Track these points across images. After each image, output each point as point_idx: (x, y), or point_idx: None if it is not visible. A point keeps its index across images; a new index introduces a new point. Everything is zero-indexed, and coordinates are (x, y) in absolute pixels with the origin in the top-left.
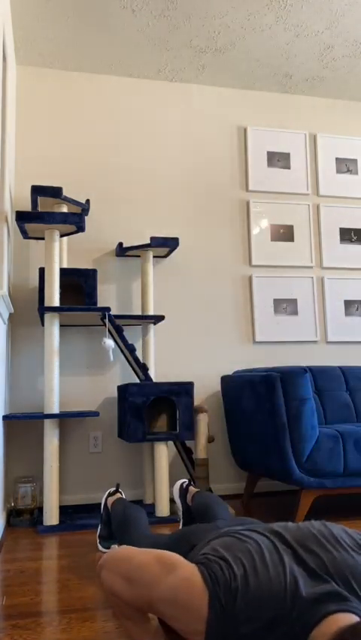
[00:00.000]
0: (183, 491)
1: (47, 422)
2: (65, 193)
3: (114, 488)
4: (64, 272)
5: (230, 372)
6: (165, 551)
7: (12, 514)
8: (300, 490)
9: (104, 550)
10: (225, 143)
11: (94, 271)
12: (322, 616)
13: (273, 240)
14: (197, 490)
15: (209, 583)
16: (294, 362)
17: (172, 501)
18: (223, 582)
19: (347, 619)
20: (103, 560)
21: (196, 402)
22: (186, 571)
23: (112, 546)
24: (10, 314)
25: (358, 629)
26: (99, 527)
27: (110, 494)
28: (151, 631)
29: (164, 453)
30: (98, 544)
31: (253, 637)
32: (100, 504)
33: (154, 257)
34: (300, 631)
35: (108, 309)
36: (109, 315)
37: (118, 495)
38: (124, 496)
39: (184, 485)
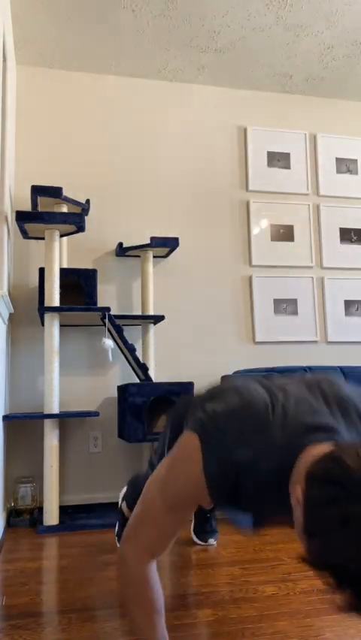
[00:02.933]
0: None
1: (47, 422)
2: (65, 193)
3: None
4: (64, 272)
5: (230, 372)
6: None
7: (12, 515)
8: None
9: None
10: (225, 143)
11: (94, 271)
12: (305, 445)
13: (273, 240)
14: None
15: (196, 428)
16: (294, 362)
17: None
18: (208, 419)
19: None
20: (121, 545)
21: None
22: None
23: None
24: (10, 314)
25: (336, 456)
26: (117, 526)
27: (124, 498)
28: (159, 629)
29: None
30: (117, 543)
31: (246, 467)
32: (101, 504)
33: (154, 257)
34: (292, 454)
35: (108, 309)
36: (109, 315)
37: None
38: None
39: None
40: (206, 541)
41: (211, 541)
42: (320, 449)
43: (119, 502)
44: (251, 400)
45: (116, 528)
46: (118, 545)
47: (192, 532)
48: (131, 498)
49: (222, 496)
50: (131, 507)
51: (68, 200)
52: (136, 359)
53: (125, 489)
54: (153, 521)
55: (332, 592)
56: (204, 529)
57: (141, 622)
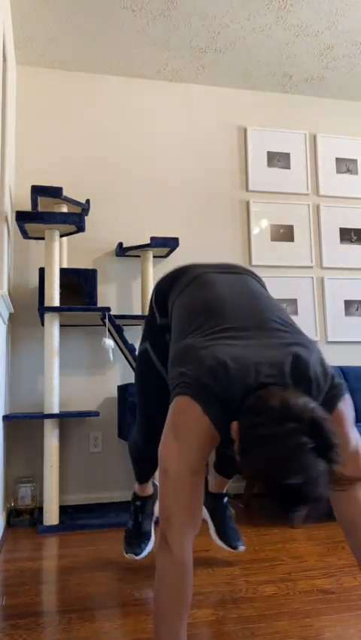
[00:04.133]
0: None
1: (47, 422)
2: (65, 193)
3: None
4: (64, 272)
5: None
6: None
7: (12, 515)
8: None
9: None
10: (225, 143)
11: (94, 271)
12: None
13: (273, 240)
14: None
15: (183, 391)
16: None
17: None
18: (191, 381)
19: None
20: (161, 536)
21: None
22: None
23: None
24: (10, 314)
25: None
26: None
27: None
28: (184, 624)
29: None
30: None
31: (227, 399)
32: (101, 504)
33: (154, 257)
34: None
35: (108, 309)
36: (109, 315)
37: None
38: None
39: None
40: (236, 548)
41: (241, 547)
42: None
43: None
44: (216, 363)
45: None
46: (124, 549)
47: (216, 537)
48: (136, 465)
49: (224, 422)
50: (140, 479)
51: (68, 200)
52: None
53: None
54: (184, 490)
55: (260, 501)
56: (226, 533)
57: (170, 615)
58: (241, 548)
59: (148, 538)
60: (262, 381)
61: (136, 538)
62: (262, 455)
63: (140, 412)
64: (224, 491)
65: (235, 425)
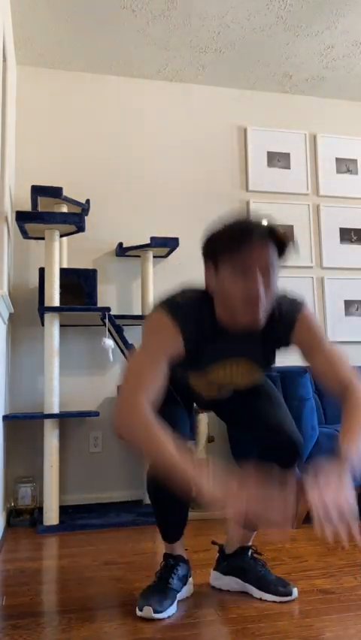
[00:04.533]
0: None
1: (47, 422)
2: (65, 193)
3: None
4: (64, 272)
5: None
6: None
7: (12, 514)
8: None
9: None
10: (225, 143)
11: (94, 271)
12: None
13: None
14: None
15: (158, 307)
16: (294, 362)
17: None
18: (165, 300)
19: None
20: (116, 420)
21: None
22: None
23: None
24: (10, 314)
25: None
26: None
27: None
28: (191, 459)
29: None
30: None
31: (194, 308)
32: (101, 504)
33: (154, 257)
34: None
35: (108, 309)
36: (109, 315)
37: None
38: None
39: None
40: (290, 593)
41: (294, 591)
42: None
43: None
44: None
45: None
46: (138, 604)
47: (263, 594)
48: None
49: (188, 336)
50: (166, 535)
51: (68, 200)
52: None
53: None
54: (142, 369)
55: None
56: (270, 585)
57: (169, 458)
58: (295, 591)
59: (173, 598)
60: None
61: (158, 594)
62: (222, 231)
63: None
64: (248, 544)
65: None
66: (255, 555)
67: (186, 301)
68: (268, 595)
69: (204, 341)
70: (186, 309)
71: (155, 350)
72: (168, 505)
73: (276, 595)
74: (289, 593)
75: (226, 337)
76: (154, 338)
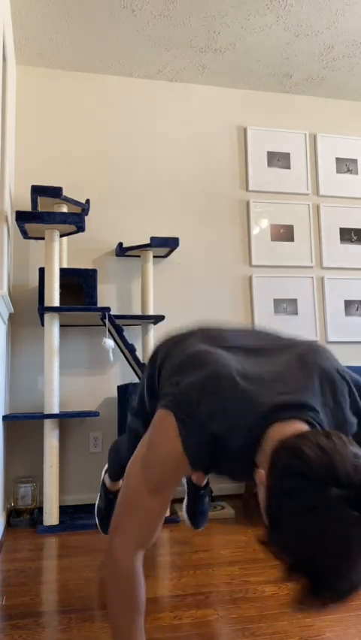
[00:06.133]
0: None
1: (47, 422)
2: (65, 193)
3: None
4: (64, 272)
5: None
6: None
7: (12, 514)
8: None
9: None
10: (225, 143)
11: (94, 271)
12: (273, 420)
13: (273, 240)
14: None
15: (169, 405)
16: None
17: (173, 501)
18: (180, 395)
19: (294, 427)
20: (110, 540)
21: None
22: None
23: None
24: (10, 314)
25: (297, 443)
26: (97, 499)
27: (106, 471)
28: (142, 631)
29: None
30: (97, 520)
31: (222, 438)
32: None
33: (154, 257)
34: (257, 433)
35: (108, 309)
36: (109, 315)
37: None
38: None
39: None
40: (197, 528)
41: (201, 527)
42: (285, 430)
43: (102, 476)
44: (220, 372)
45: (97, 501)
46: (97, 523)
47: (185, 512)
48: (113, 467)
49: (202, 465)
50: (113, 477)
51: (68, 200)
52: (136, 359)
53: (107, 465)
54: (139, 507)
55: (285, 579)
56: (195, 515)
57: (122, 622)
58: (201, 528)
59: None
60: (277, 401)
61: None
62: (295, 528)
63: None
64: (203, 484)
65: (261, 475)
66: (208, 494)
67: (212, 428)
68: (186, 516)
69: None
70: (209, 438)
71: (157, 479)
72: (117, 467)
73: (189, 521)
74: (196, 528)
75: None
76: (157, 457)
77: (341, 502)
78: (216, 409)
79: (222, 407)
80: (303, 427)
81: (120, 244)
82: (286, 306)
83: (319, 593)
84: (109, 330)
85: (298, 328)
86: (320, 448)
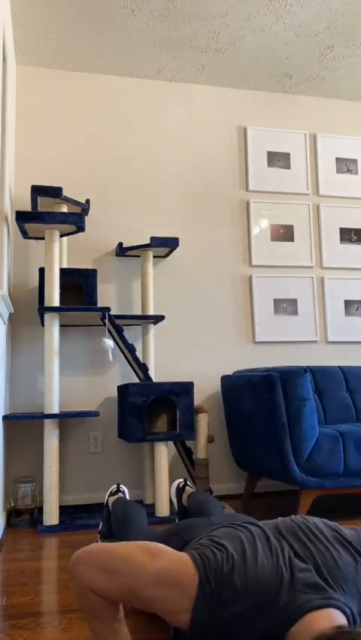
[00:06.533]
0: (180, 491)
1: (47, 422)
2: (65, 193)
3: (115, 487)
4: (64, 272)
5: (230, 372)
6: (150, 542)
7: (12, 514)
8: (300, 490)
9: None
10: (225, 143)
11: (94, 271)
12: (304, 611)
13: (273, 240)
14: (193, 490)
15: (200, 565)
16: (294, 362)
17: (172, 501)
18: (214, 565)
19: (328, 619)
20: (77, 555)
21: (196, 402)
22: (175, 555)
23: None
24: (10, 314)
25: (336, 637)
26: (100, 524)
27: (111, 494)
28: (121, 635)
29: (164, 453)
30: (99, 539)
31: (238, 622)
32: (100, 504)
33: (154, 257)
34: (283, 621)
35: (108, 309)
36: (109, 315)
37: (119, 495)
38: (127, 496)
39: (180, 485)
40: None
41: None
42: (315, 625)
43: (106, 498)
44: (263, 574)
45: (100, 526)
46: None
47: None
48: (116, 524)
49: (200, 635)
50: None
51: (68, 200)
52: (136, 359)
53: (114, 488)
54: (123, 578)
55: None
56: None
57: (102, 632)
58: None
59: None
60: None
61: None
62: None
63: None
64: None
65: None
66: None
67: (231, 616)
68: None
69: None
70: (223, 624)
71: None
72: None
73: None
74: None
75: None
76: (164, 591)
77: None
78: (245, 599)
79: (254, 600)
80: (334, 616)
81: (120, 244)
82: (286, 306)
83: None
84: (109, 330)
85: (298, 328)
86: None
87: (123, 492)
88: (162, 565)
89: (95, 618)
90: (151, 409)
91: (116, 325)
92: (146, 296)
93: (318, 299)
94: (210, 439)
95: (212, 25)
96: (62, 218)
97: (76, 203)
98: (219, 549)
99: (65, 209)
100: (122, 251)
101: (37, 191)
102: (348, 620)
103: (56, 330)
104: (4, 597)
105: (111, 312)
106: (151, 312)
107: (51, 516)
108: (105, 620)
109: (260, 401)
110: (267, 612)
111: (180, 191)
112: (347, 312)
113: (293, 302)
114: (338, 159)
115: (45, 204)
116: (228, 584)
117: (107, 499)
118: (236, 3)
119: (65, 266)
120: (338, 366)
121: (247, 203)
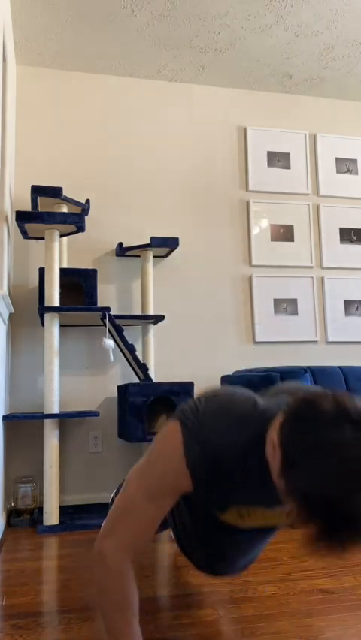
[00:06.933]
0: None
1: (47, 422)
2: (65, 193)
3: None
4: (64, 272)
5: (230, 372)
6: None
7: (12, 514)
8: None
9: None
10: (225, 143)
11: (94, 271)
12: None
13: (273, 240)
14: None
15: (178, 415)
16: (294, 362)
17: None
18: (191, 407)
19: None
20: (97, 542)
21: None
22: (156, 440)
23: None
24: (10, 314)
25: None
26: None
27: (117, 492)
28: (136, 630)
29: None
30: None
31: (225, 446)
32: (100, 504)
33: (154, 257)
34: (260, 428)
35: (108, 309)
36: (109, 315)
37: None
38: None
39: None
40: None
41: None
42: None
43: (111, 497)
44: (235, 393)
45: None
46: None
47: None
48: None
49: (204, 480)
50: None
51: (68, 200)
52: (136, 359)
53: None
54: (133, 512)
55: (303, 524)
56: None
57: (116, 624)
58: None
59: None
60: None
61: None
62: (314, 469)
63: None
64: None
65: (273, 437)
66: None
67: (218, 435)
68: None
69: (232, 489)
70: (216, 448)
71: (155, 486)
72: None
73: None
74: None
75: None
76: (157, 464)
77: (355, 439)
78: (228, 418)
79: (235, 418)
80: None
81: (120, 244)
82: (286, 306)
83: (336, 534)
84: (109, 330)
85: (298, 328)
86: (328, 395)
87: None
88: (151, 445)
89: (115, 609)
90: (151, 408)
91: (117, 325)
92: (146, 296)
93: (318, 299)
94: None
95: (212, 25)
96: (62, 218)
97: (76, 203)
98: (194, 397)
99: (65, 209)
100: (122, 251)
101: (37, 191)
102: None
103: (56, 330)
104: (4, 597)
105: (111, 312)
106: (151, 312)
107: (51, 516)
108: (125, 609)
109: None
110: (245, 427)
111: (180, 191)
112: (347, 312)
113: (293, 302)
114: (338, 159)
115: (45, 204)
116: (205, 410)
117: (113, 497)
118: (236, 3)
119: (65, 266)
120: (338, 366)
121: (247, 203)
